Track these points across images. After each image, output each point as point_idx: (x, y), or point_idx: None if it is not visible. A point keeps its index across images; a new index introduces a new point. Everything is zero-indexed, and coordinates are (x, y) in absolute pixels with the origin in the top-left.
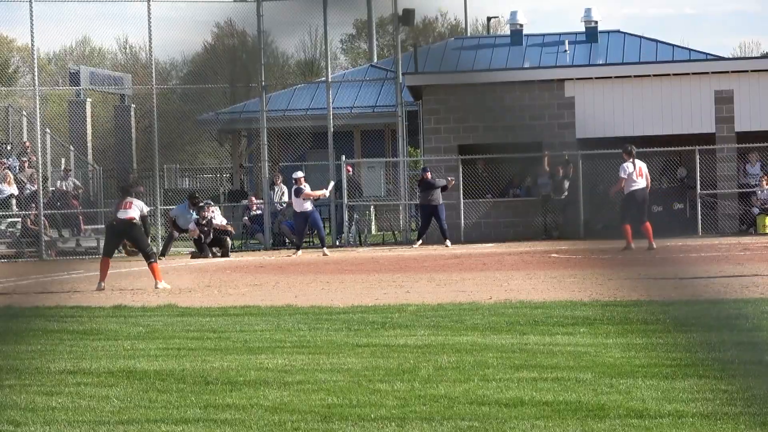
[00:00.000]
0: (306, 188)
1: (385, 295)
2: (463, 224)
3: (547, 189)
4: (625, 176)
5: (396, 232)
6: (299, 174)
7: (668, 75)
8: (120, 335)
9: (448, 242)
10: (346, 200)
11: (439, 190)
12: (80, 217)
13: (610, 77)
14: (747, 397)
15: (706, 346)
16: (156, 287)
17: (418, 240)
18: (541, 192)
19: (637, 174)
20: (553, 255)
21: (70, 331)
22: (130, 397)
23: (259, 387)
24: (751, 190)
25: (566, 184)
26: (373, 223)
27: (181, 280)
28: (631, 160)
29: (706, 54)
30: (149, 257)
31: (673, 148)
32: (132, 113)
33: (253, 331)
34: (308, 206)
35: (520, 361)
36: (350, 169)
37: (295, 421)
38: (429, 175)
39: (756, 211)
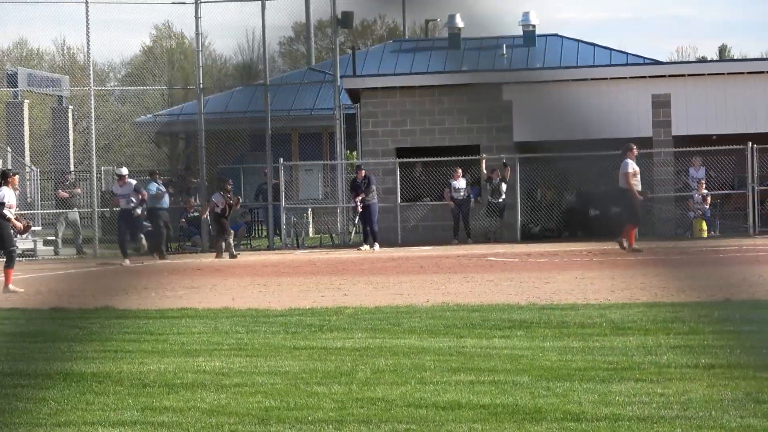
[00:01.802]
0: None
1: (322, 297)
2: (400, 227)
3: (463, 194)
4: (631, 172)
5: (334, 235)
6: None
7: (605, 79)
8: (57, 337)
9: (376, 245)
10: (283, 203)
11: (374, 188)
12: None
13: (548, 81)
14: (683, 400)
15: (643, 349)
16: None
17: (365, 243)
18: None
19: (636, 173)
20: (490, 258)
21: (7, 333)
22: (67, 399)
23: (197, 389)
24: (688, 194)
25: (504, 187)
26: (310, 225)
27: (118, 281)
28: (634, 158)
29: (644, 58)
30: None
31: (610, 152)
32: (70, 115)
33: (191, 333)
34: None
35: (458, 364)
36: (267, 173)
37: (232, 423)
38: (363, 174)
39: (692, 215)
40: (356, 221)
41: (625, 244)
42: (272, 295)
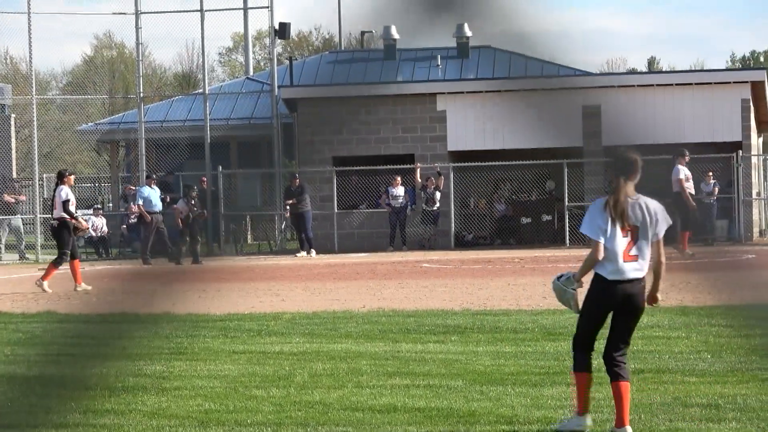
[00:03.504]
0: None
1: (260, 303)
2: (336, 234)
3: (401, 202)
4: (683, 177)
5: (271, 242)
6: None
7: (537, 90)
8: (0, 341)
9: (312, 251)
10: (222, 210)
11: (307, 197)
12: None
13: (481, 92)
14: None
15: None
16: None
17: (301, 249)
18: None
19: (689, 179)
20: (424, 265)
21: None
22: (11, 401)
23: (138, 393)
24: None
25: (438, 195)
26: (249, 232)
27: (61, 286)
28: (685, 164)
29: (575, 70)
30: None
31: (542, 161)
32: (12, 123)
33: (132, 337)
34: None
35: (393, 369)
36: (204, 180)
37: (172, 426)
38: (297, 182)
39: None
40: (282, 227)
41: (689, 251)
42: (211, 300)
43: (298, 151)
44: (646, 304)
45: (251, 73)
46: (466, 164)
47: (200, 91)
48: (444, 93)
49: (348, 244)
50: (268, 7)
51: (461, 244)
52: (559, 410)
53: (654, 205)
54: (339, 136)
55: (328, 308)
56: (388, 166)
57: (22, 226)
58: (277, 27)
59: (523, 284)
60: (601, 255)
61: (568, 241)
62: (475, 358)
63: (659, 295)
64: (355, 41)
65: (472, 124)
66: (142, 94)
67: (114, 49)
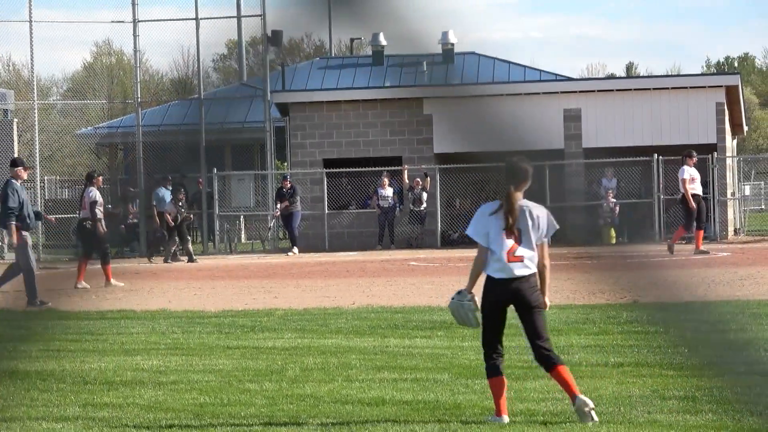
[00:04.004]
0: None
1: (254, 300)
2: (327, 234)
3: (390, 202)
4: (687, 178)
5: (264, 241)
6: None
7: (520, 94)
8: (3, 337)
9: (295, 249)
10: (217, 210)
11: (298, 198)
12: None
13: (466, 96)
14: (594, 397)
15: (556, 348)
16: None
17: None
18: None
19: (694, 179)
20: (412, 263)
21: None
22: (13, 395)
23: (135, 387)
24: (597, 203)
25: (425, 196)
26: (242, 232)
27: (60, 284)
28: (692, 165)
29: (556, 75)
30: None
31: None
32: (14, 127)
33: (129, 333)
34: None
35: (382, 363)
36: (201, 182)
37: (169, 419)
38: (288, 183)
39: (601, 222)
40: (271, 225)
41: (703, 248)
42: (207, 297)
43: (290, 153)
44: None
45: (245, 78)
46: (451, 166)
47: (195, 96)
48: (430, 97)
49: (338, 243)
50: (261, 16)
51: (447, 242)
52: (541, 403)
53: (539, 211)
54: (329, 139)
55: (319, 305)
56: (377, 168)
57: None
58: (270, 34)
59: None
60: (481, 253)
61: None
62: (460, 352)
63: (547, 300)
64: (344, 48)
65: (456, 127)
66: (139, 99)
67: (113, 56)
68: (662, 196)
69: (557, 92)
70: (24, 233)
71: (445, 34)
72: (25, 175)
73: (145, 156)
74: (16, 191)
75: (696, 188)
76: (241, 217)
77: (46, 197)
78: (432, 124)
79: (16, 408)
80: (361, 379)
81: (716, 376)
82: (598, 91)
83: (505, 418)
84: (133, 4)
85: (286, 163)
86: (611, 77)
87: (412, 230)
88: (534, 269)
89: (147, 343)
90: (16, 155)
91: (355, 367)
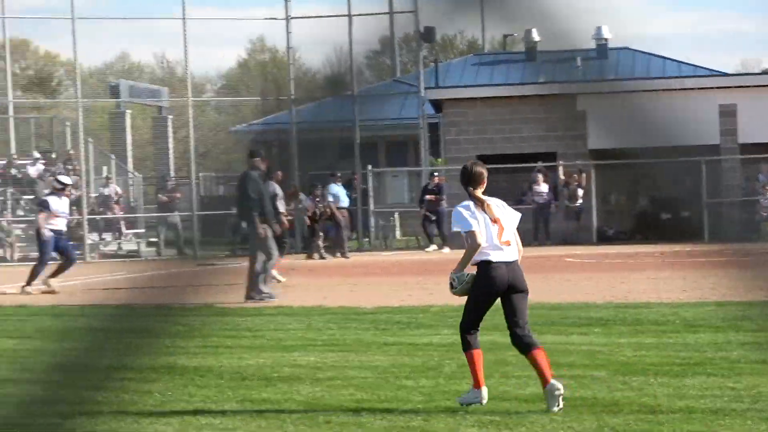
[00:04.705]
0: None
1: (410, 296)
2: None
3: (545, 198)
4: None
5: (419, 237)
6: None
7: (675, 90)
8: (161, 333)
9: (446, 248)
10: (372, 207)
11: (444, 196)
12: (121, 222)
13: (621, 92)
14: (753, 394)
15: (714, 345)
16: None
17: (431, 244)
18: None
19: None
20: (567, 259)
21: (114, 329)
22: (171, 391)
23: (293, 383)
24: (754, 198)
25: (580, 192)
26: (397, 228)
27: (216, 280)
28: None
29: (711, 70)
30: None
31: (680, 159)
32: (169, 124)
33: (286, 330)
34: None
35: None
36: (356, 177)
37: (326, 414)
38: (436, 180)
39: (758, 218)
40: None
41: None
42: (362, 294)
43: (444, 149)
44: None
45: (398, 75)
46: (606, 162)
47: (349, 92)
48: (584, 93)
49: None
50: (413, 12)
51: (603, 239)
52: (700, 400)
53: (500, 203)
54: (483, 136)
55: None
56: (531, 165)
57: (179, 223)
58: (422, 31)
59: (664, 278)
60: (479, 241)
61: (707, 236)
62: (617, 349)
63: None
64: (497, 44)
65: (613, 123)
66: (293, 96)
67: (266, 53)
68: None
69: (712, 87)
70: (263, 225)
71: (599, 30)
72: (263, 167)
73: (298, 153)
74: (257, 182)
75: None
76: (396, 213)
77: (202, 193)
78: (586, 119)
79: (174, 403)
80: (517, 376)
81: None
82: (754, 86)
83: (484, 392)
84: (286, 1)
85: (439, 159)
86: (767, 73)
87: (567, 226)
88: (518, 256)
89: (304, 339)
90: (171, 152)
91: (512, 363)
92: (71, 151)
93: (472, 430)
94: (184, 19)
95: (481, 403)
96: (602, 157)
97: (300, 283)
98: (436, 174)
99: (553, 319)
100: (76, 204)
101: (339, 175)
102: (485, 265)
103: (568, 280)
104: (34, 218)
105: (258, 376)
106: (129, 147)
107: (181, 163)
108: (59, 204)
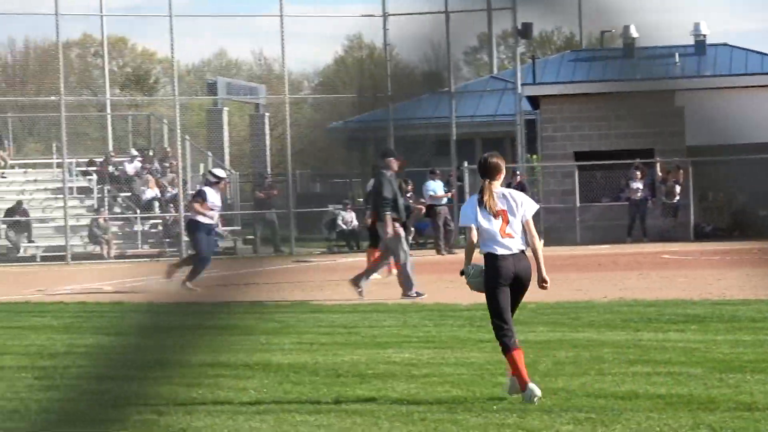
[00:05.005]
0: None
1: None
2: (578, 227)
3: (641, 194)
4: None
5: None
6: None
7: None
8: (256, 330)
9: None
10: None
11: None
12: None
13: (719, 88)
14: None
15: None
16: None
17: None
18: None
19: None
20: (664, 256)
21: (209, 326)
22: (266, 388)
23: (388, 380)
24: None
25: (677, 188)
26: None
27: (312, 277)
28: None
29: None
30: None
31: None
32: (266, 121)
33: (381, 326)
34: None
35: (635, 357)
36: (453, 174)
37: (421, 411)
38: (518, 179)
39: None
40: None
41: None
42: (458, 290)
43: (541, 146)
44: (539, 287)
45: (495, 71)
46: (704, 158)
47: (446, 89)
48: (682, 89)
49: (589, 236)
50: (511, 8)
51: (700, 235)
52: None
53: (517, 194)
54: (580, 132)
55: (571, 298)
56: (628, 161)
57: (276, 220)
58: (520, 27)
59: (762, 275)
60: (474, 237)
61: None
62: (714, 346)
63: (546, 276)
64: (595, 40)
65: (710, 119)
66: (390, 93)
67: (364, 50)
68: None
69: None
70: (397, 225)
71: (697, 26)
72: (396, 167)
73: (395, 149)
74: (390, 182)
75: None
76: None
77: (298, 191)
78: (683, 116)
79: (269, 400)
80: (613, 373)
81: None
82: None
83: (536, 389)
84: None
85: (535, 156)
86: None
87: (664, 223)
88: (524, 245)
89: (399, 336)
90: (268, 148)
91: (608, 360)
92: (168, 149)
93: (567, 428)
94: (281, 16)
95: (534, 402)
96: (699, 154)
97: (395, 280)
98: (518, 173)
99: (650, 316)
100: (173, 202)
101: (437, 171)
102: (490, 257)
103: (664, 277)
104: (132, 215)
105: (353, 373)
106: (226, 144)
107: (277, 160)
108: (214, 197)
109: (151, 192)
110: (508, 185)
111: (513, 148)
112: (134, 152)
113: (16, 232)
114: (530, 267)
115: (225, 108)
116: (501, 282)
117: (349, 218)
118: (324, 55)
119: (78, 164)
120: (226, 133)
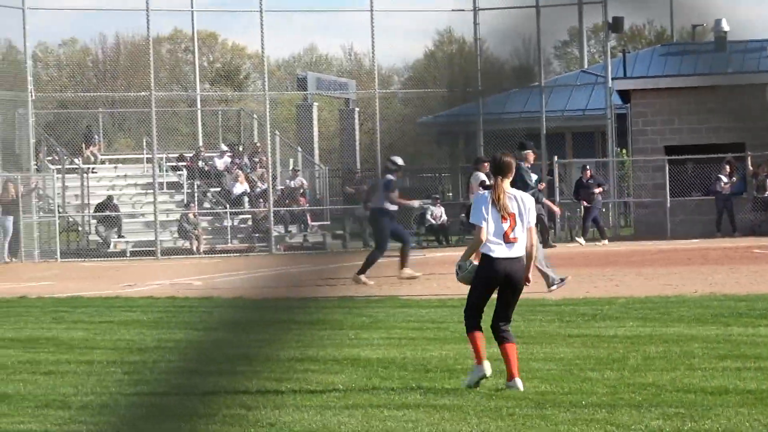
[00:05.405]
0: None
1: (595, 288)
2: (669, 221)
3: (729, 188)
4: None
5: (606, 229)
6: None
7: None
8: (345, 325)
9: (605, 240)
10: (557, 198)
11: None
12: (307, 214)
13: None
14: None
15: None
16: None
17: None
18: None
19: None
20: (755, 251)
21: (298, 321)
22: (354, 383)
23: None
24: None
25: None
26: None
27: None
28: None
29: None
30: None
31: None
32: (356, 116)
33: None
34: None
35: (725, 352)
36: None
37: (510, 407)
38: (589, 174)
39: None
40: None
41: None
42: (545, 285)
43: (631, 140)
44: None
45: (586, 65)
46: None
47: (536, 83)
48: None
49: (680, 230)
50: (602, 3)
51: None
52: None
53: (527, 198)
54: (670, 126)
55: (661, 293)
56: (719, 155)
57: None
58: (611, 21)
59: None
60: (484, 237)
61: None
62: None
63: (530, 276)
64: (686, 34)
65: None
66: (480, 87)
67: (454, 45)
68: None
69: None
70: None
71: None
72: (532, 159)
73: (485, 144)
74: (528, 174)
75: None
76: (582, 204)
77: None
78: None
79: (357, 395)
80: (703, 368)
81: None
82: None
83: (487, 365)
84: None
85: (625, 150)
86: None
87: (755, 217)
88: (523, 252)
89: (487, 331)
90: (357, 143)
91: (698, 355)
92: (258, 144)
93: (657, 422)
94: (371, 11)
95: (486, 376)
96: None
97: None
98: (588, 168)
99: (741, 310)
100: (262, 196)
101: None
102: (487, 258)
103: (755, 271)
104: (221, 210)
105: (441, 368)
106: (315, 139)
107: (367, 155)
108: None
109: (240, 187)
110: (579, 181)
111: (603, 142)
112: (224, 147)
113: (106, 227)
114: (523, 269)
115: (315, 103)
116: (491, 284)
117: (438, 213)
118: (414, 50)
119: (168, 159)
120: (315, 128)
